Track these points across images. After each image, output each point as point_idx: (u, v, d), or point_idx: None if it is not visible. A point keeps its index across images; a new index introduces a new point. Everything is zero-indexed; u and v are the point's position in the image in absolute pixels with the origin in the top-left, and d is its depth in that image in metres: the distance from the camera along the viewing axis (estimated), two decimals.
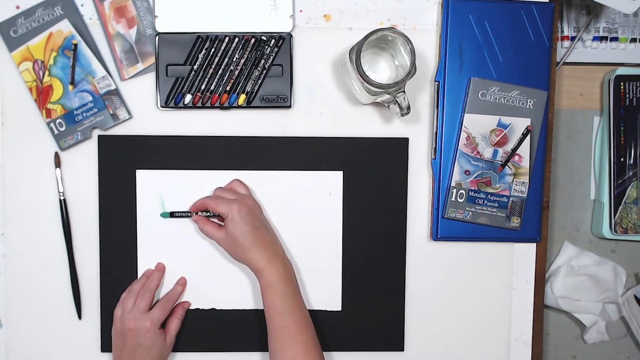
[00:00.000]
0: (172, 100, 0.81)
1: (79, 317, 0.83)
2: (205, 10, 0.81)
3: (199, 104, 0.81)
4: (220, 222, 0.80)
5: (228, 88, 0.81)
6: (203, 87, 0.81)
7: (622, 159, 0.91)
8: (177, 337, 0.82)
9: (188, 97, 0.81)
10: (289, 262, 0.78)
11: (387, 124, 0.84)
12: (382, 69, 0.79)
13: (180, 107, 0.81)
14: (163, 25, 0.80)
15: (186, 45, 0.80)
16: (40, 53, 0.80)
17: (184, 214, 0.81)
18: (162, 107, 0.81)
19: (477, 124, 0.81)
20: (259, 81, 0.81)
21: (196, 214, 0.80)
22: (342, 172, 0.83)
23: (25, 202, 0.82)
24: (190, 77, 0.81)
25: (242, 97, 0.81)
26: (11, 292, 0.82)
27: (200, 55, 0.81)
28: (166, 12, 0.80)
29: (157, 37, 0.80)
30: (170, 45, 0.80)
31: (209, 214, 0.80)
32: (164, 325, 0.80)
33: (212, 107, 0.81)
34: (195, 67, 0.81)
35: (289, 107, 0.82)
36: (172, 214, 0.81)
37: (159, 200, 0.82)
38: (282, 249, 0.79)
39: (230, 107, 0.81)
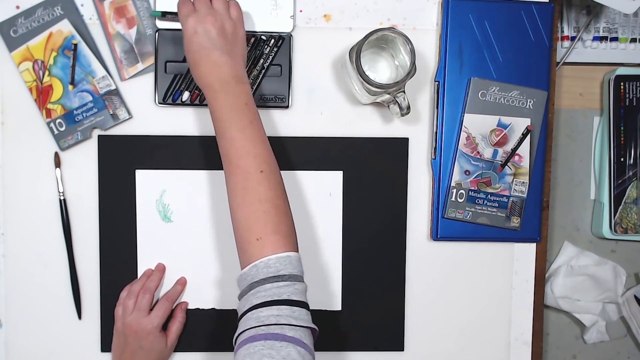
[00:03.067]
0: (169, 97, 0.81)
1: (79, 317, 0.83)
2: None
3: (197, 101, 0.81)
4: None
5: None
6: None
7: (622, 159, 0.91)
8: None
9: (186, 94, 0.81)
10: (240, 86, 0.69)
11: (387, 124, 0.84)
12: (382, 69, 0.79)
13: (178, 104, 0.81)
14: (163, 22, 0.80)
15: None
16: (40, 53, 0.80)
17: (174, 15, 0.76)
18: (159, 103, 0.81)
19: (477, 124, 0.81)
20: (258, 80, 0.81)
21: None
22: (342, 172, 0.83)
23: (25, 202, 0.82)
24: (189, 75, 0.81)
25: None
26: (11, 292, 0.82)
27: None
28: (167, 9, 0.80)
29: (156, 34, 0.80)
30: (170, 42, 0.80)
31: None
32: (165, 326, 0.80)
33: None
34: None
35: (287, 107, 0.82)
36: (163, 14, 0.78)
37: (159, 201, 0.82)
38: (234, 73, 0.69)
39: None
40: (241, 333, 0.60)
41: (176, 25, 0.80)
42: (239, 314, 0.63)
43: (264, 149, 0.68)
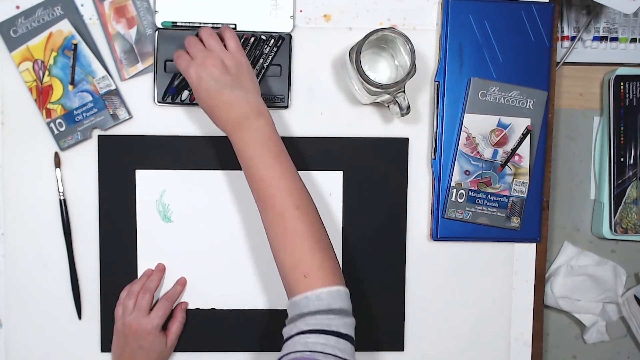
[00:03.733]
0: (169, 96, 0.81)
1: (79, 317, 0.83)
2: (206, 8, 0.80)
3: (196, 101, 0.81)
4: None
5: None
6: None
7: (622, 159, 0.91)
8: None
9: (185, 94, 0.81)
10: (260, 119, 0.68)
11: (387, 124, 0.84)
12: (382, 69, 0.79)
13: (177, 103, 0.81)
14: (163, 21, 0.80)
15: None
16: (40, 53, 0.80)
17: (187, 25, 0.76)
18: (158, 102, 0.81)
19: (477, 124, 0.81)
20: (257, 80, 0.81)
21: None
22: (342, 172, 0.83)
23: (25, 202, 0.82)
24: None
25: None
26: (11, 292, 0.82)
27: None
28: (166, 8, 0.80)
29: (156, 33, 0.80)
30: (170, 41, 0.80)
31: None
32: (165, 326, 0.80)
33: None
34: None
35: (287, 107, 0.82)
36: (174, 24, 0.78)
37: (159, 201, 0.82)
38: (250, 107, 0.68)
39: None
40: (285, 355, 0.61)
41: (178, 20, 0.80)
42: (285, 337, 0.63)
43: (295, 182, 0.67)
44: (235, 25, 0.81)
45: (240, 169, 0.82)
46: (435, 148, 0.82)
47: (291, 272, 0.65)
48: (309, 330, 0.61)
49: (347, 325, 0.63)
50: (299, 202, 0.66)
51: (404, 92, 0.74)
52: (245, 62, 0.71)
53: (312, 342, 0.60)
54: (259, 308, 0.84)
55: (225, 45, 0.71)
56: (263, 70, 0.81)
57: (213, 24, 0.81)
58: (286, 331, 0.64)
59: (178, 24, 0.80)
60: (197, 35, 0.73)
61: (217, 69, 0.68)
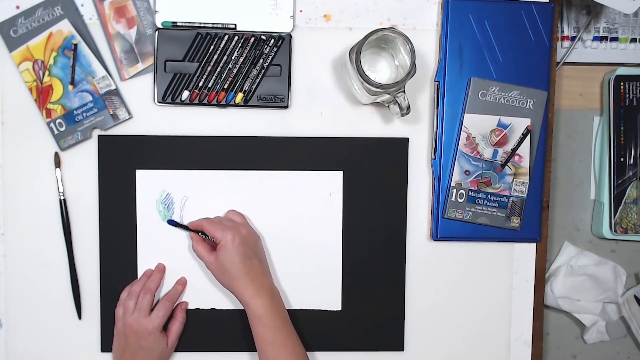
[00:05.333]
0: (169, 96, 0.81)
1: (79, 317, 0.83)
2: (206, 8, 0.80)
3: (196, 101, 0.81)
4: (213, 246, 0.79)
5: (226, 86, 0.81)
6: (201, 84, 0.81)
7: (622, 159, 0.91)
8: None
9: (185, 94, 0.81)
10: (277, 292, 0.78)
11: (387, 124, 0.84)
12: (382, 69, 0.79)
13: (178, 103, 0.81)
14: (163, 21, 0.80)
15: (185, 41, 0.80)
16: (40, 53, 0.80)
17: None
18: (159, 102, 0.81)
19: (477, 124, 0.81)
20: (257, 80, 0.81)
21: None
22: (342, 172, 0.83)
23: (25, 202, 0.82)
24: (189, 74, 0.81)
25: (240, 95, 0.81)
26: (11, 292, 0.82)
27: (199, 52, 0.81)
28: (166, 7, 0.80)
29: (156, 33, 0.80)
30: (170, 41, 0.80)
31: (206, 236, 0.79)
32: (165, 326, 0.80)
33: (209, 104, 0.81)
34: (193, 63, 0.81)
35: (286, 107, 0.82)
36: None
37: (159, 201, 0.82)
38: (270, 280, 0.78)
39: (227, 105, 0.81)
40: None
41: (178, 21, 0.80)
42: None
43: (304, 351, 0.75)
44: (235, 25, 0.81)
45: (240, 169, 0.82)
46: (435, 148, 0.82)
47: None
48: None
49: None
50: None
51: (404, 92, 0.74)
52: (258, 238, 0.81)
53: None
54: None
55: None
56: (263, 70, 0.81)
57: (213, 24, 0.81)
58: None
59: (178, 24, 0.80)
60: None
61: (252, 239, 0.78)
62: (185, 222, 0.82)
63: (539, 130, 0.82)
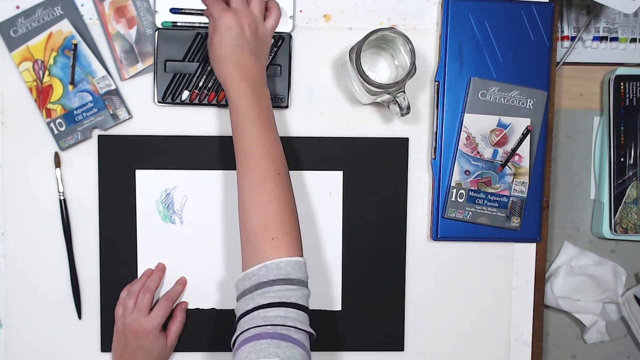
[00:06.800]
0: (169, 96, 0.81)
1: (79, 317, 0.83)
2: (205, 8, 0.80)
3: (196, 101, 0.81)
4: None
5: None
6: (201, 84, 0.81)
7: (622, 159, 0.91)
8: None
9: (185, 94, 0.81)
10: (266, 91, 0.71)
11: (387, 124, 0.84)
12: (382, 69, 0.79)
13: (177, 103, 0.81)
14: (162, 21, 0.80)
15: (185, 41, 0.80)
16: (40, 53, 0.80)
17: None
18: (159, 102, 0.81)
19: (477, 124, 0.81)
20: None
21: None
22: (342, 172, 0.83)
23: (25, 202, 0.82)
24: (188, 74, 0.81)
25: None
26: (11, 292, 0.82)
27: (199, 52, 0.81)
28: (166, 8, 0.80)
29: (156, 33, 0.80)
30: (170, 41, 0.80)
31: None
32: (165, 326, 0.80)
33: (209, 104, 0.81)
34: (193, 63, 0.81)
35: (286, 107, 0.82)
36: (174, 24, 0.78)
37: (159, 201, 0.82)
38: (260, 77, 0.71)
39: (227, 105, 0.81)
40: (245, 331, 0.60)
41: (178, 21, 0.80)
42: (240, 313, 0.63)
43: (281, 152, 0.70)
44: None
45: None
46: (435, 148, 0.82)
47: (260, 233, 0.65)
48: (268, 304, 0.61)
49: (304, 296, 0.64)
50: (281, 170, 0.68)
51: (404, 92, 0.74)
52: (270, 40, 0.74)
53: (273, 316, 0.60)
54: None
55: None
56: None
57: None
58: (241, 306, 0.64)
59: (178, 24, 0.80)
60: None
61: (251, 30, 0.70)
62: (185, 222, 0.82)
63: (539, 130, 0.82)
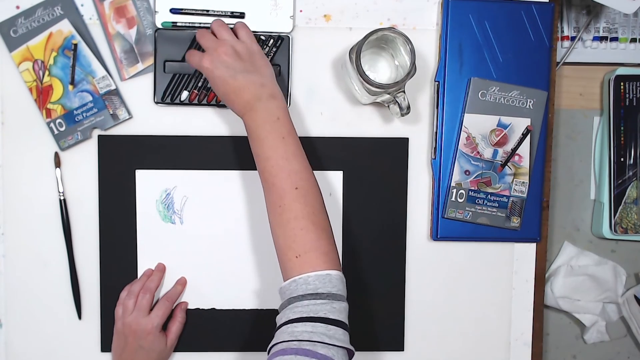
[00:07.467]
0: (168, 96, 0.81)
1: (79, 317, 0.83)
2: (205, 8, 0.80)
3: (195, 101, 0.81)
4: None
5: None
6: (200, 84, 0.81)
7: (622, 159, 0.91)
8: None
9: (185, 94, 0.81)
10: (271, 102, 0.69)
11: (387, 124, 0.84)
12: (382, 69, 0.79)
13: (177, 104, 0.81)
14: (163, 21, 0.80)
15: (185, 41, 0.80)
16: (40, 53, 0.80)
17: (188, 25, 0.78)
18: (158, 102, 0.81)
19: (477, 124, 0.81)
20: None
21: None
22: (342, 172, 0.83)
23: (25, 202, 0.82)
24: (188, 74, 0.81)
25: None
26: (11, 292, 0.82)
27: None
28: (166, 8, 0.80)
29: (155, 33, 0.80)
30: (169, 42, 0.80)
31: None
32: (165, 326, 0.80)
33: (209, 104, 0.81)
34: None
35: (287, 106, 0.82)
36: (174, 25, 0.79)
37: (159, 201, 0.82)
38: (261, 90, 0.69)
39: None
40: (274, 345, 0.61)
41: (178, 21, 0.80)
42: (277, 325, 0.63)
43: (299, 164, 0.68)
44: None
45: (241, 169, 0.83)
46: (435, 148, 0.82)
47: (284, 253, 0.65)
48: (297, 319, 0.61)
49: (336, 310, 0.62)
50: (299, 184, 0.66)
51: (404, 92, 0.74)
52: (257, 49, 0.73)
53: (299, 331, 0.60)
54: (260, 308, 0.84)
55: (236, 35, 0.73)
56: None
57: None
58: (278, 319, 0.64)
59: (178, 24, 0.80)
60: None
61: (229, 57, 0.70)
62: (185, 222, 0.82)
63: (539, 130, 0.82)
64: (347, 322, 0.63)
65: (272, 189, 0.67)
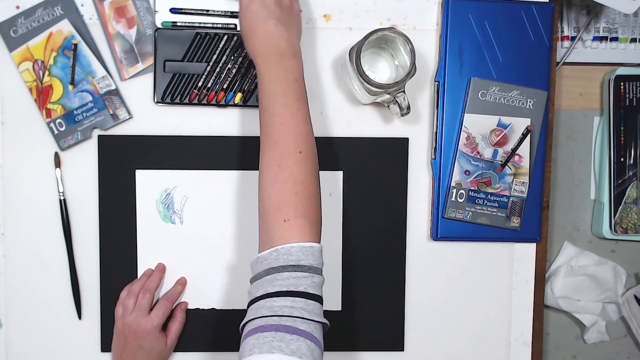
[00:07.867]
0: (168, 96, 0.81)
1: (79, 317, 0.83)
2: (205, 8, 0.80)
3: (195, 101, 0.81)
4: None
5: (225, 86, 0.81)
6: (200, 84, 0.81)
7: (622, 159, 0.91)
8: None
9: (185, 94, 0.81)
10: (293, 61, 0.68)
11: (387, 124, 0.84)
12: (382, 69, 0.79)
13: (177, 103, 0.81)
14: (162, 21, 0.80)
15: (185, 41, 0.80)
16: (40, 53, 0.80)
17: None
18: (158, 102, 0.81)
19: (477, 124, 0.81)
20: (256, 80, 0.81)
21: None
22: (342, 172, 0.83)
23: (25, 202, 0.82)
24: (188, 74, 0.81)
25: (239, 95, 0.81)
26: (11, 292, 0.82)
27: (199, 52, 0.81)
28: (166, 8, 0.80)
29: (155, 33, 0.80)
30: (169, 41, 0.80)
31: None
32: (165, 326, 0.80)
33: (209, 104, 0.81)
34: (193, 63, 0.81)
35: None
36: (174, 24, 0.78)
37: (159, 201, 0.82)
38: (288, 47, 0.68)
39: (226, 105, 0.81)
40: (251, 320, 0.59)
41: (178, 21, 0.80)
42: (251, 298, 0.61)
43: (306, 129, 0.66)
44: (235, 25, 0.81)
45: (241, 170, 0.82)
46: (435, 148, 0.82)
47: (273, 214, 0.63)
48: (276, 293, 0.59)
49: (315, 284, 0.61)
50: (303, 148, 0.65)
51: (404, 92, 0.74)
52: (298, 9, 0.73)
53: (279, 306, 0.58)
54: None
55: None
56: None
57: (213, 24, 0.81)
58: (252, 291, 0.62)
59: (178, 24, 0.80)
60: None
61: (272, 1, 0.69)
62: (185, 222, 0.82)
63: (539, 130, 0.82)
64: (322, 296, 0.62)
65: (275, 147, 0.65)
